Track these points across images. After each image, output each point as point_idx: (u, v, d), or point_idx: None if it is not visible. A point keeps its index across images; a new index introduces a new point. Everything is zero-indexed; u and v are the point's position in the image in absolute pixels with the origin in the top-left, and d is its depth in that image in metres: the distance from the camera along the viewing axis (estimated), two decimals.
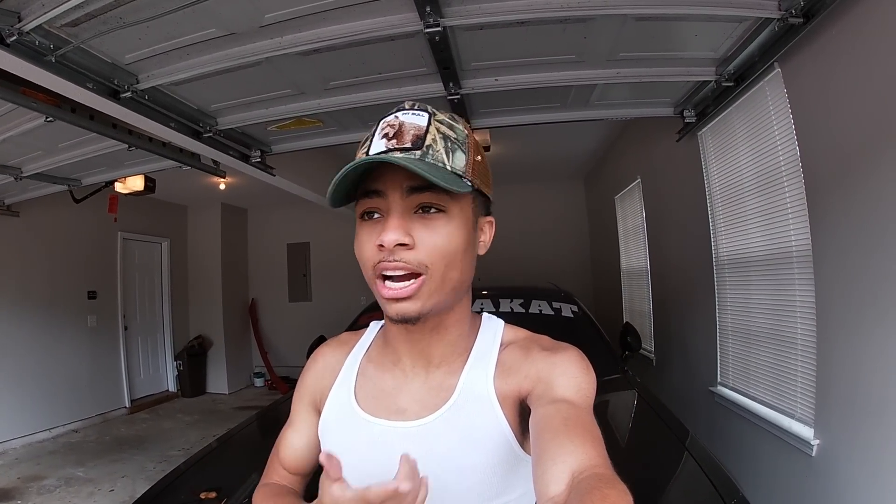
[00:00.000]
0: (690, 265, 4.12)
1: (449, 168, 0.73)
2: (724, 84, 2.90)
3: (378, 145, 0.73)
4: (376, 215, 0.74)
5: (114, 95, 2.60)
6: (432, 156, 0.72)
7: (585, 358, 0.80)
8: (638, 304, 5.88)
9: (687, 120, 3.56)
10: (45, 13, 1.91)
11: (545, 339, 0.85)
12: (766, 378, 3.02)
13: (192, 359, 8.21)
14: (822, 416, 2.44)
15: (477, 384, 0.79)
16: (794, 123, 2.54)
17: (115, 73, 2.53)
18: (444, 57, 2.55)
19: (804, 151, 2.49)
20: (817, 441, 2.43)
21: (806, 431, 2.55)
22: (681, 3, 2.23)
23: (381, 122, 0.76)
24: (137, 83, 2.62)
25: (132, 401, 7.26)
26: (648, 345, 5.33)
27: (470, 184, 0.75)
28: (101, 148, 3.62)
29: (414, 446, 0.76)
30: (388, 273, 0.72)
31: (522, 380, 0.78)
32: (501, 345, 0.85)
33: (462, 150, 0.76)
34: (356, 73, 2.81)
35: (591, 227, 8.44)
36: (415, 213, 0.73)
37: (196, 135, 3.28)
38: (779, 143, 2.72)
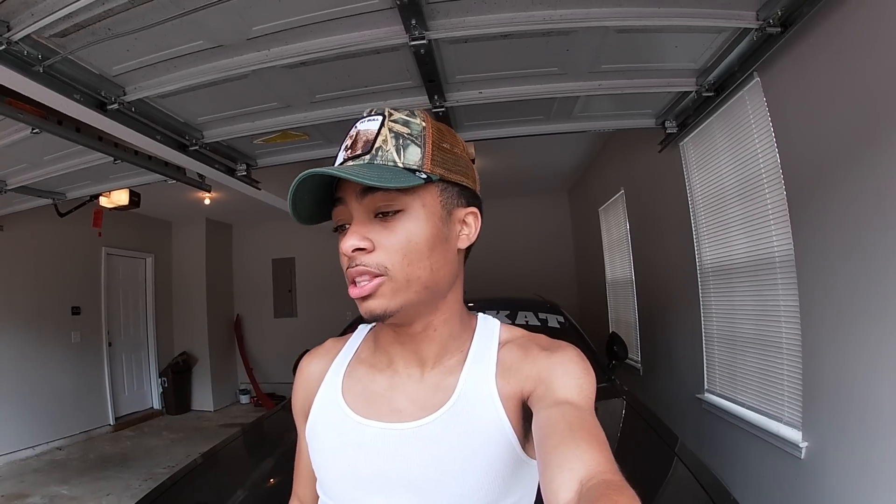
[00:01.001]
0: (675, 274, 4.15)
1: (401, 165, 0.73)
2: (704, 94, 2.96)
3: (339, 158, 0.76)
4: (346, 227, 0.76)
5: (101, 107, 2.59)
6: (381, 157, 0.73)
7: (585, 357, 0.78)
8: (624, 315, 5.91)
9: (668, 130, 3.61)
10: (34, 23, 1.91)
11: (542, 337, 0.83)
12: (752, 383, 3.05)
13: (177, 376, 8.09)
14: (809, 418, 2.46)
15: (478, 384, 0.78)
16: (773, 131, 2.59)
17: (102, 85, 2.53)
18: (429, 70, 2.57)
19: (784, 158, 2.54)
20: (806, 443, 2.46)
21: (794, 434, 2.57)
22: (661, 15, 2.27)
23: (346, 135, 0.78)
24: (124, 95, 2.62)
25: (116, 418, 7.15)
26: (635, 354, 5.34)
27: (427, 176, 0.74)
28: (86, 161, 3.59)
29: (411, 448, 0.76)
30: (354, 279, 0.73)
31: (524, 380, 0.76)
32: (499, 344, 0.84)
33: (416, 144, 0.75)
34: (342, 86, 2.83)
35: (576, 240, 8.49)
36: (375, 217, 0.74)
37: (182, 148, 3.27)
38: (759, 151, 2.78)
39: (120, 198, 4.61)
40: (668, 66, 2.83)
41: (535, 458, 0.71)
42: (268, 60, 2.40)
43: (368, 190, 0.72)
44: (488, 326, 0.87)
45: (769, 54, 2.43)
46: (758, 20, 2.29)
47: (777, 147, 2.58)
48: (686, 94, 3.11)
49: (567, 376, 0.73)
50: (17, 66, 2.12)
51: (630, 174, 5.22)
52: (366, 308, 0.74)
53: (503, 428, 0.75)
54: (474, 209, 0.82)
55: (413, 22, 2.17)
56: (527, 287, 6.80)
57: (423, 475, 0.75)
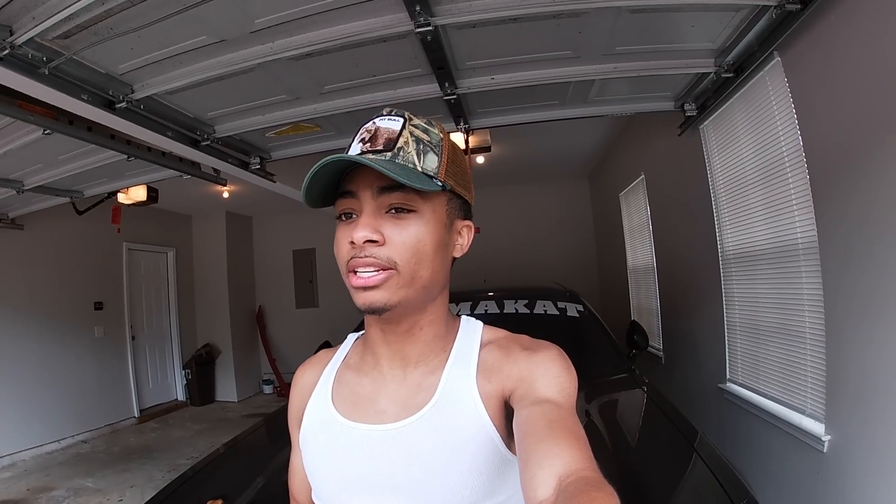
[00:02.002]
0: (697, 261, 4.07)
1: (420, 169, 0.75)
2: (723, 75, 2.86)
3: (354, 149, 0.77)
4: (353, 216, 0.76)
5: (109, 106, 2.61)
6: (403, 157, 0.75)
7: (566, 356, 0.80)
8: (645, 302, 5.83)
9: (688, 113, 3.52)
10: (36, 26, 1.92)
11: (524, 338, 0.85)
12: (775, 374, 2.97)
13: (201, 367, 8.24)
14: (832, 411, 2.39)
15: (459, 383, 0.80)
16: (795, 113, 2.50)
17: (109, 84, 2.54)
18: (437, 57, 2.53)
19: (807, 141, 2.44)
20: (828, 437, 2.39)
21: (817, 427, 2.50)
22: None
23: (361, 128, 0.79)
24: (132, 93, 2.63)
25: (141, 410, 7.29)
26: (657, 343, 5.28)
27: (441, 184, 0.76)
28: (100, 159, 3.63)
29: (395, 448, 0.78)
30: (359, 269, 0.74)
31: (505, 379, 0.78)
32: (481, 345, 0.85)
33: (434, 152, 0.77)
34: (350, 77, 2.80)
35: (597, 226, 8.39)
36: (387, 212, 0.75)
37: (194, 143, 3.29)
38: (781, 133, 2.68)
39: (137, 194, 4.65)
40: (686, 46, 2.74)
41: None
42: (272, 53, 2.38)
43: (388, 187, 0.74)
44: (471, 328, 0.89)
45: (789, 32, 2.33)
46: None
47: (799, 129, 2.48)
48: (705, 75, 3.01)
49: (548, 375, 0.75)
50: (22, 69, 2.14)
51: (650, 159, 5.12)
52: (367, 298, 0.74)
53: (485, 426, 0.76)
54: (470, 223, 0.86)
55: (417, 8, 2.14)
56: (547, 274, 6.75)
57: (407, 475, 0.76)
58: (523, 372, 0.77)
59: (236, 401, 8.40)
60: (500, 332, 0.89)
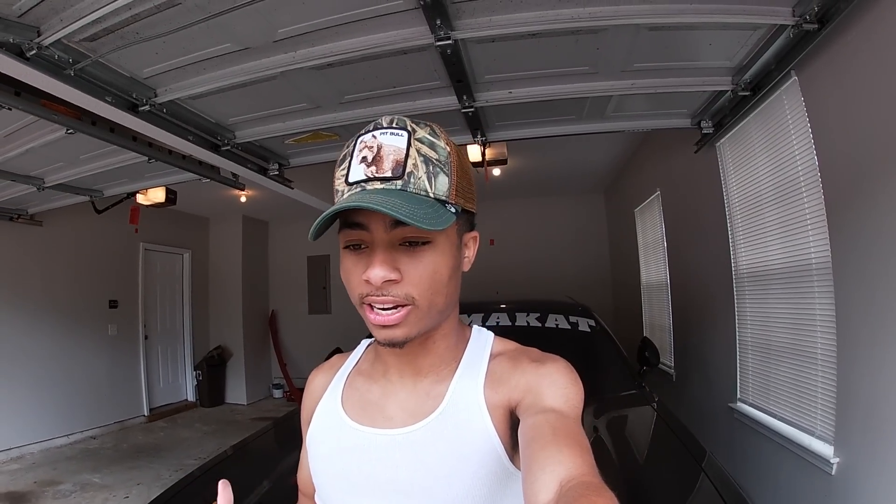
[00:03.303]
0: (710, 278, 4.05)
1: (432, 196, 0.71)
2: (740, 93, 2.87)
3: (357, 171, 0.71)
4: (362, 246, 0.73)
5: (132, 109, 2.67)
6: (413, 184, 0.70)
7: (573, 369, 0.80)
8: (658, 319, 5.80)
9: (704, 131, 3.52)
10: (63, 28, 1.97)
11: (534, 350, 0.85)
12: (786, 394, 2.95)
13: (212, 369, 8.29)
14: (842, 433, 2.37)
15: (466, 393, 0.79)
16: (811, 133, 2.50)
17: (133, 87, 2.60)
18: (456, 70, 2.56)
19: (823, 161, 2.44)
20: (837, 459, 2.36)
21: (826, 449, 2.47)
22: (693, 11, 2.21)
23: (359, 140, 0.73)
24: (156, 97, 2.69)
25: (151, 409, 7.35)
26: (668, 360, 5.24)
27: (454, 210, 0.73)
28: (121, 160, 3.70)
29: (400, 453, 0.78)
30: (378, 306, 0.72)
31: (511, 390, 0.77)
32: (491, 355, 0.85)
33: (445, 173, 0.73)
34: (370, 87, 2.85)
35: (612, 241, 8.36)
36: (400, 245, 0.72)
37: (214, 148, 3.34)
38: (797, 152, 2.68)
39: (156, 195, 4.72)
40: (703, 64, 2.76)
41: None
42: (295, 62, 2.42)
43: (399, 223, 0.69)
44: (482, 338, 0.89)
45: (807, 52, 2.34)
46: (794, 16, 2.20)
47: (815, 149, 2.48)
48: (722, 93, 3.03)
49: (554, 386, 0.75)
50: (48, 69, 2.20)
51: (666, 175, 5.11)
52: (388, 335, 0.73)
53: (489, 437, 0.76)
54: (475, 233, 0.83)
55: (438, 22, 2.17)
56: (560, 288, 6.73)
57: (411, 480, 0.76)
58: (530, 382, 0.77)
59: (246, 404, 8.44)
60: (511, 344, 0.89)
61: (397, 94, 2.93)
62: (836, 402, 2.41)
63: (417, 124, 0.74)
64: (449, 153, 0.74)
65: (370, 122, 0.75)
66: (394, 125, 0.73)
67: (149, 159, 3.55)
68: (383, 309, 0.72)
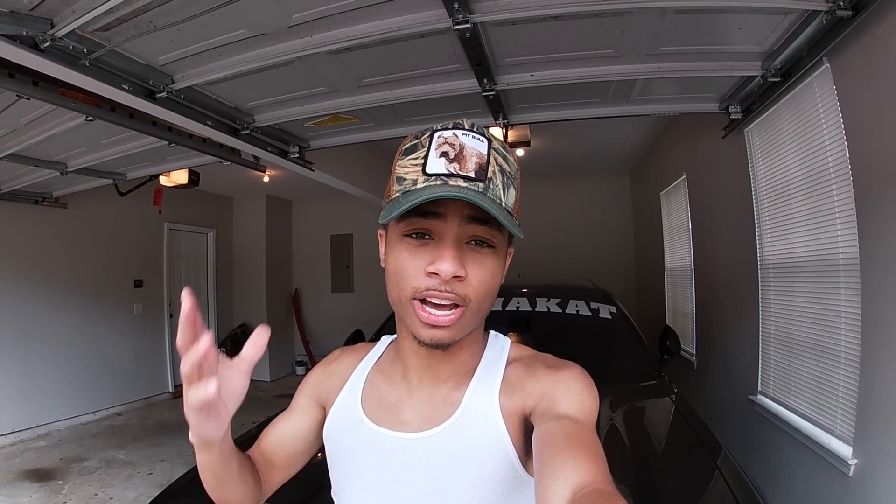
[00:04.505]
0: (735, 267, 3.97)
1: (503, 205, 0.72)
2: (770, 79, 2.76)
3: (437, 164, 0.71)
4: (426, 237, 0.73)
5: (150, 96, 2.68)
6: (492, 191, 0.71)
7: (589, 376, 0.80)
8: (681, 304, 5.72)
9: (732, 116, 3.41)
10: (76, 19, 1.97)
11: (549, 357, 0.85)
12: (806, 390, 2.89)
13: (236, 346, 8.33)
14: (861, 434, 2.32)
15: (482, 400, 0.80)
16: (843, 122, 2.41)
17: (149, 74, 2.60)
18: (476, 53, 2.51)
19: (853, 152, 2.35)
20: (855, 461, 2.32)
21: (844, 449, 2.43)
22: None
23: (437, 135, 0.73)
24: (173, 83, 2.69)
25: (175, 386, 7.49)
26: (690, 347, 5.19)
27: (517, 224, 0.74)
28: (142, 144, 3.73)
29: (415, 457, 0.79)
30: (435, 301, 0.71)
31: (526, 397, 0.78)
32: (507, 362, 0.85)
33: (514, 187, 0.74)
34: (389, 71, 2.81)
35: (636, 224, 8.23)
36: (466, 243, 0.72)
37: (234, 132, 3.35)
38: (827, 142, 2.58)
39: (179, 177, 4.77)
40: (732, 48, 2.66)
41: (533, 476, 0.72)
42: (311, 47, 2.40)
43: (477, 217, 0.71)
44: (498, 345, 0.89)
45: (840, 39, 2.24)
46: (827, 2, 2.10)
47: (846, 139, 2.39)
48: (751, 78, 2.91)
49: (569, 392, 0.75)
50: (64, 60, 2.21)
51: (693, 159, 5.00)
52: (435, 336, 0.73)
53: (504, 444, 0.76)
54: (513, 249, 0.84)
55: (456, 5, 2.12)
56: (584, 270, 6.67)
57: (425, 484, 0.77)
58: (545, 389, 0.77)
59: (269, 381, 8.57)
60: (527, 351, 0.89)
61: (417, 77, 2.89)
62: (857, 402, 2.36)
63: (494, 136, 0.76)
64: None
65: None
66: (475, 129, 0.74)
67: (169, 143, 3.58)
68: (440, 307, 0.71)
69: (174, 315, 7.61)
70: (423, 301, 0.72)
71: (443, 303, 0.71)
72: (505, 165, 0.73)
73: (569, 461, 0.60)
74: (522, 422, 0.78)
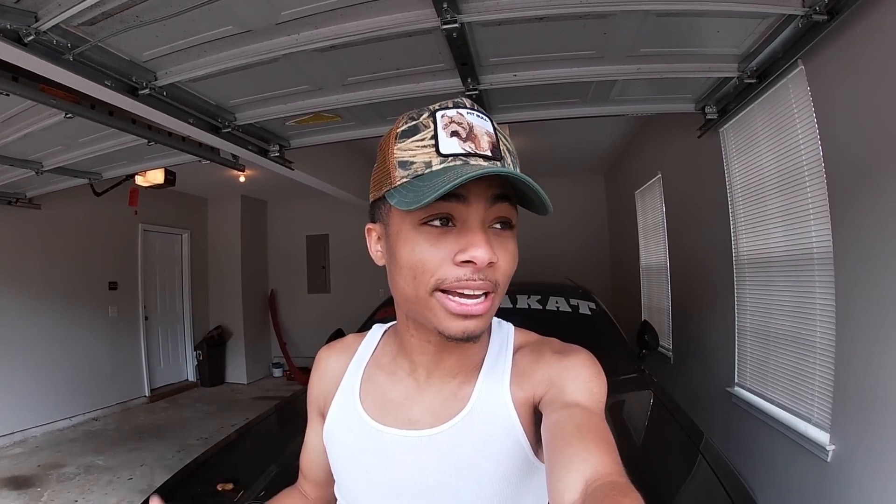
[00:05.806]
0: (710, 263, 4.06)
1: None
2: (746, 81, 2.84)
3: (450, 144, 0.66)
4: (449, 223, 0.67)
5: (132, 92, 2.63)
6: (508, 168, 0.65)
7: (596, 361, 0.77)
8: (657, 301, 5.82)
9: (708, 116, 3.50)
10: (61, 13, 1.94)
11: (555, 341, 0.82)
12: (783, 380, 2.98)
13: (212, 349, 8.32)
14: (838, 421, 2.40)
15: (492, 392, 0.77)
16: (816, 122, 2.49)
17: (133, 71, 2.56)
18: (461, 53, 2.53)
19: (827, 151, 2.44)
20: (833, 447, 2.40)
21: (822, 436, 2.51)
22: None
23: (440, 114, 0.68)
24: (156, 80, 2.65)
25: (152, 390, 7.38)
26: (666, 342, 5.27)
27: None
28: (121, 143, 3.66)
29: (426, 455, 0.76)
30: (468, 292, 0.66)
31: (535, 385, 0.75)
32: (513, 349, 0.83)
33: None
34: (374, 70, 2.81)
35: (611, 223, 8.35)
36: (490, 226, 0.68)
37: (215, 130, 3.31)
38: (801, 141, 2.67)
39: (155, 177, 4.70)
40: (710, 50, 2.73)
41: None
42: (297, 45, 2.39)
43: (501, 196, 0.67)
44: (503, 332, 0.86)
45: (815, 42, 2.32)
46: (804, 6, 2.18)
47: (820, 138, 2.47)
48: (727, 79, 3.00)
49: (578, 380, 0.73)
50: (47, 55, 2.16)
51: (668, 159, 5.10)
52: (467, 328, 0.68)
53: (516, 435, 0.75)
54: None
55: (445, 5, 2.14)
56: (560, 269, 6.74)
57: (438, 482, 0.75)
58: (553, 376, 0.74)
59: (246, 383, 8.49)
60: (532, 336, 0.86)
61: (401, 76, 2.90)
62: (833, 390, 2.44)
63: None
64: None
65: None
66: (475, 108, 0.70)
67: (148, 142, 3.53)
68: (471, 296, 0.66)
69: (149, 317, 7.50)
70: (445, 292, 0.66)
71: (475, 292, 0.66)
72: (508, 144, 0.70)
73: (581, 452, 0.59)
74: (532, 410, 0.76)
